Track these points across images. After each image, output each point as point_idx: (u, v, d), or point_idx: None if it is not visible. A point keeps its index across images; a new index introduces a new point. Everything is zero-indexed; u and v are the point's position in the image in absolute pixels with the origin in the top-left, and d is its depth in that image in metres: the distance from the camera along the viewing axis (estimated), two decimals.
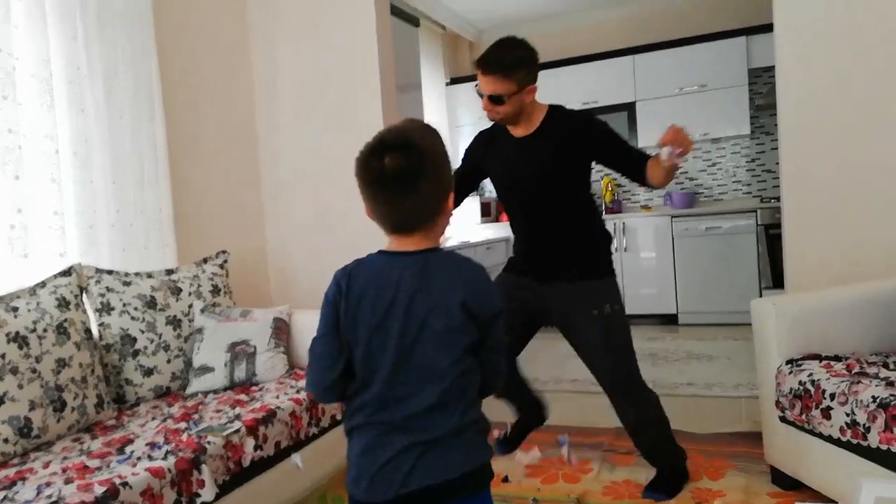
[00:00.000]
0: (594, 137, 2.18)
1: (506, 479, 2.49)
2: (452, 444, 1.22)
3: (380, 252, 1.29)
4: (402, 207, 1.23)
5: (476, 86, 2.15)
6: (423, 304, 1.22)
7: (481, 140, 2.40)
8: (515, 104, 2.12)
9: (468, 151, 2.43)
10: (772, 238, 4.89)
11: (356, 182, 1.25)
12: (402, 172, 1.19)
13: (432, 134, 1.28)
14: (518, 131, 2.24)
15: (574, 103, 5.70)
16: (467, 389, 1.25)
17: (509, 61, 2.07)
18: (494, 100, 2.10)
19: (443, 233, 1.33)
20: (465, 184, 2.40)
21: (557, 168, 2.18)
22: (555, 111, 2.23)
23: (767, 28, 2.86)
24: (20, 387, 1.87)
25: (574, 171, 2.22)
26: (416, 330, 1.21)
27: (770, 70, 3.95)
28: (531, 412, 2.58)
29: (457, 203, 2.37)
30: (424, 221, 1.25)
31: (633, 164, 2.17)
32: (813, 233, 2.69)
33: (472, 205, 5.81)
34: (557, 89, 5.79)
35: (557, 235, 2.25)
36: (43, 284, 2.21)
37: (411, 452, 1.20)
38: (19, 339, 1.93)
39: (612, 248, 2.36)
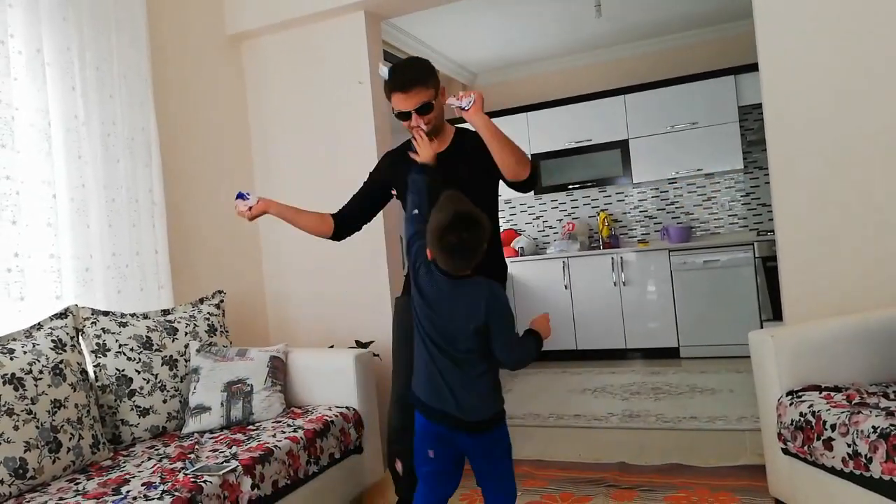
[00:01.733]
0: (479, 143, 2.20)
1: None
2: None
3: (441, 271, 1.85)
4: (461, 263, 1.77)
5: (395, 112, 2.19)
6: (453, 307, 1.79)
7: (389, 161, 2.40)
8: (439, 109, 2.21)
9: (376, 172, 2.43)
10: (770, 270, 4.89)
11: (429, 242, 1.78)
12: (469, 245, 1.73)
13: (482, 213, 1.76)
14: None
15: (568, 141, 5.82)
16: (477, 362, 1.79)
17: (422, 71, 2.18)
18: (424, 109, 2.15)
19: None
20: (370, 204, 2.44)
21: (472, 185, 2.15)
22: (462, 131, 2.32)
23: (754, 66, 2.92)
24: (16, 428, 1.87)
25: (487, 188, 2.25)
26: (453, 320, 1.78)
27: (760, 107, 4.04)
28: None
29: (360, 224, 2.44)
30: (469, 269, 1.80)
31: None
32: (809, 264, 2.70)
33: None
34: (551, 128, 5.88)
35: None
36: (39, 326, 2.22)
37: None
38: (15, 381, 1.93)
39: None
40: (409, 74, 2.16)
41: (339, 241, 2.52)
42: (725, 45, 5.58)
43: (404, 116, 2.19)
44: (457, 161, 2.23)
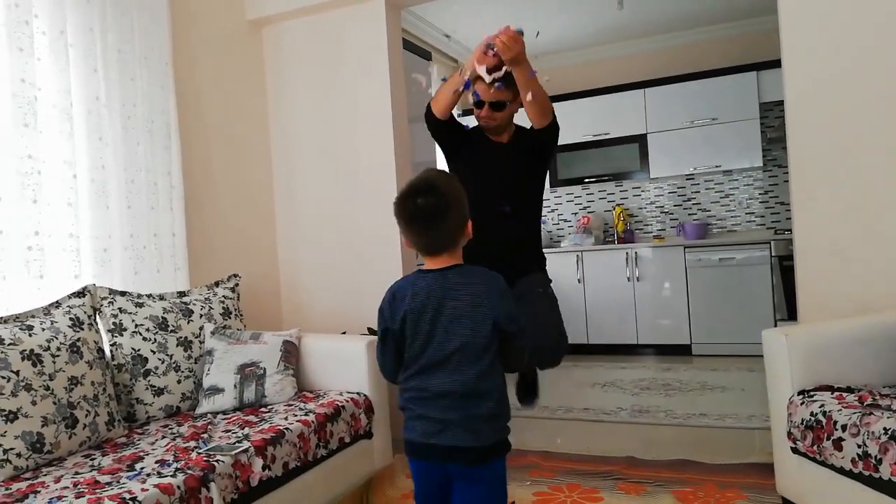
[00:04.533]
0: (536, 134, 2.50)
1: None
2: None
3: (417, 270, 1.65)
4: (432, 236, 1.59)
5: (474, 94, 2.40)
6: (447, 307, 1.55)
7: (468, 132, 2.60)
8: (510, 112, 2.47)
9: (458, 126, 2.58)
10: (786, 269, 4.86)
11: (395, 220, 1.62)
12: (430, 210, 1.55)
13: (450, 179, 1.63)
14: (499, 139, 2.55)
15: (586, 134, 5.79)
16: (489, 371, 1.56)
17: (510, 75, 2.37)
18: (497, 106, 2.40)
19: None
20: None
21: (532, 171, 2.52)
22: (521, 128, 2.59)
23: (777, 63, 2.89)
24: (33, 403, 1.90)
25: (533, 183, 2.58)
26: (442, 325, 1.55)
27: (781, 104, 4.00)
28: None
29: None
30: (449, 246, 1.60)
31: None
32: (825, 264, 2.68)
33: None
34: (570, 120, 5.85)
35: (520, 235, 2.53)
36: (57, 304, 2.25)
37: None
38: (33, 357, 1.96)
39: None
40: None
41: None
42: (748, 41, 5.52)
43: (479, 105, 2.42)
44: (518, 149, 2.52)
